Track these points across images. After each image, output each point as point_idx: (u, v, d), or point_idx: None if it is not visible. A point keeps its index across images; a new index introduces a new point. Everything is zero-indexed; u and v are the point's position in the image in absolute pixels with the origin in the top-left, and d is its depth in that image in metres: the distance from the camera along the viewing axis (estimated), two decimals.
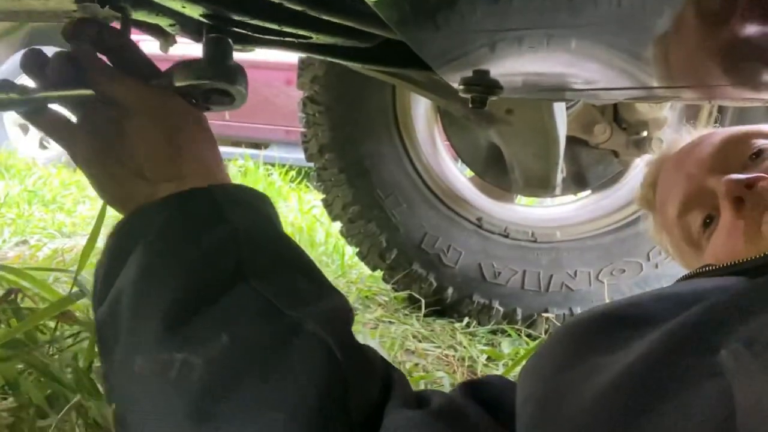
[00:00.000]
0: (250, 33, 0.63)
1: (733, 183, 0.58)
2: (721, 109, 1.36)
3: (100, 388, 0.73)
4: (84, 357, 0.77)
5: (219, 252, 0.45)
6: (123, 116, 0.51)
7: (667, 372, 0.35)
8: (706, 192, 0.64)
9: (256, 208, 0.50)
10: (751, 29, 0.45)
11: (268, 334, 0.42)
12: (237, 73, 0.60)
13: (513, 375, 1.18)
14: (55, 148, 3.81)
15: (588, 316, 0.45)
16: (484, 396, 0.46)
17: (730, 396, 0.31)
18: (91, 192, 2.97)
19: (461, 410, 0.43)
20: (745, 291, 0.41)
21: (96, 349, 0.76)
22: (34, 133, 3.91)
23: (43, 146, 3.91)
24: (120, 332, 0.44)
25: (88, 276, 1.01)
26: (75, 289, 0.81)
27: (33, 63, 0.53)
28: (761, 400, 0.30)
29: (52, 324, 0.84)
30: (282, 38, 0.68)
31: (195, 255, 0.44)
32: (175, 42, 0.88)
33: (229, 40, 0.62)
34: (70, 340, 0.85)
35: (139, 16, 0.63)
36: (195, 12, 0.57)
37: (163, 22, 0.65)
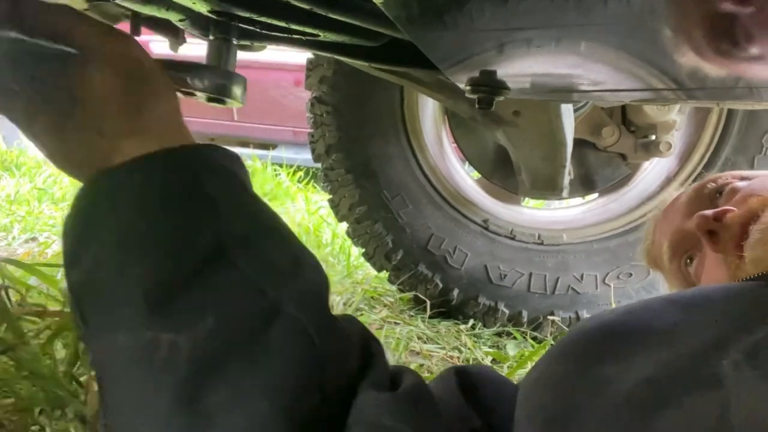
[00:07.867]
0: (257, 30, 0.64)
1: (702, 218, 0.63)
2: (730, 112, 1.36)
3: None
4: (68, 354, 0.77)
5: (198, 224, 0.43)
6: (76, 63, 0.45)
7: (669, 390, 0.35)
8: (686, 235, 0.71)
9: (230, 173, 0.48)
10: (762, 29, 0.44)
11: (250, 317, 0.41)
12: (236, 82, 0.60)
13: (517, 377, 1.18)
14: None
15: (590, 325, 0.45)
16: (469, 382, 0.47)
17: (728, 407, 0.32)
18: None
19: (429, 393, 0.44)
20: (755, 296, 0.41)
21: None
22: None
23: None
24: (100, 303, 0.42)
25: None
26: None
27: None
28: (756, 411, 0.31)
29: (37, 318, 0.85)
30: (289, 35, 0.68)
31: (174, 226, 0.43)
32: (185, 41, 0.88)
33: (233, 41, 0.62)
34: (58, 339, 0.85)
35: (149, 11, 0.63)
36: (203, 8, 0.58)
37: (173, 17, 0.65)
